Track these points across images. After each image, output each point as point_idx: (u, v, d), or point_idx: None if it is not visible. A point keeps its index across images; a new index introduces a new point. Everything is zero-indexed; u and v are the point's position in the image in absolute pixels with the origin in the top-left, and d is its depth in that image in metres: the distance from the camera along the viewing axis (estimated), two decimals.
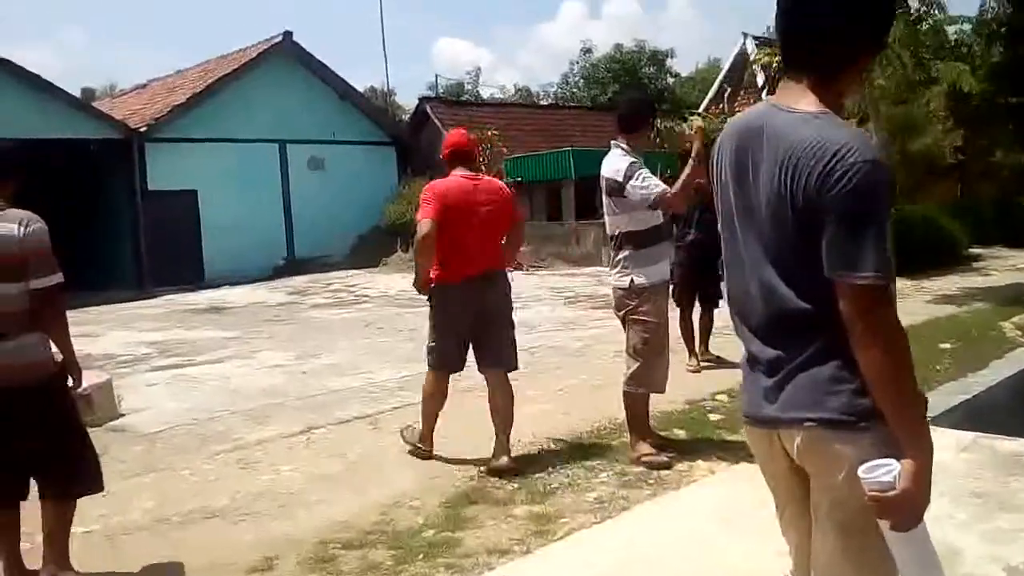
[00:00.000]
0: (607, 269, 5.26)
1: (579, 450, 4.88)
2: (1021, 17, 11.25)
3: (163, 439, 5.84)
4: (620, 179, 4.48)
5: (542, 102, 38.50)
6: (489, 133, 18.91)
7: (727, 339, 7.78)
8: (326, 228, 21.13)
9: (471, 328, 4.66)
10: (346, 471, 4.91)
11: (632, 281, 4.53)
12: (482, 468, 4.59)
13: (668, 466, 4.43)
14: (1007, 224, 19.84)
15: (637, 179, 4.42)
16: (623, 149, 4.60)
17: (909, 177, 17.95)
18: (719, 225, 1.89)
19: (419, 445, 4.88)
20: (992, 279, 13.27)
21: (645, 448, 4.52)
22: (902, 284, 13.07)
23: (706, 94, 32.44)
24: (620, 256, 4.59)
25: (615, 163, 4.56)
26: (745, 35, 29.32)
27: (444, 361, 4.72)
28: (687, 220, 7.04)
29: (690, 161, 4.44)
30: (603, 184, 4.62)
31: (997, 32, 19.80)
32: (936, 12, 18.84)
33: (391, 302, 14.28)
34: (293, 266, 20.75)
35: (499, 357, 4.70)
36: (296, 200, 21.64)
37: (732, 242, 1.84)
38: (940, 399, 5.48)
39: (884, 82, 15.04)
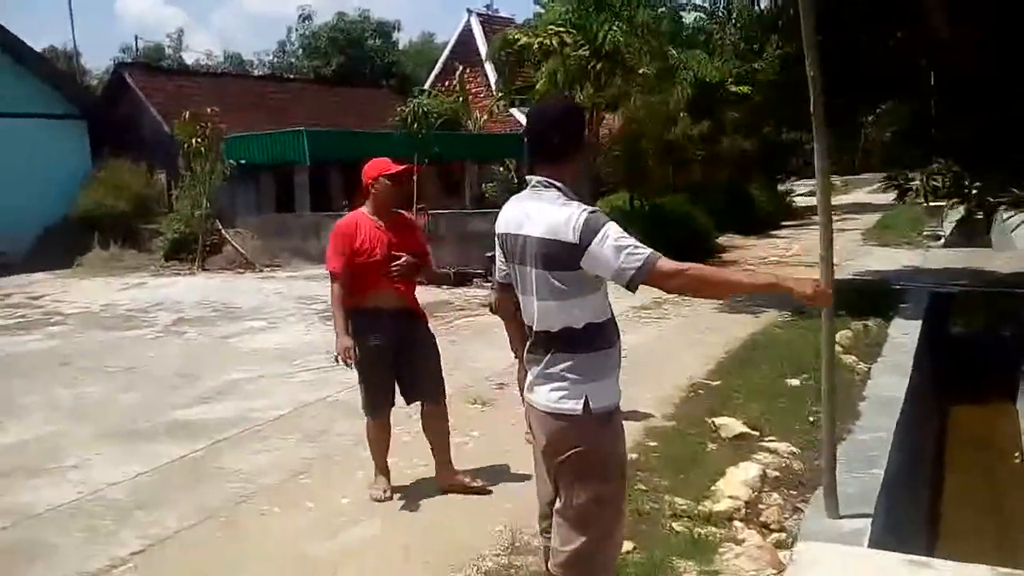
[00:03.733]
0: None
1: None
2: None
3: None
4: (573, 239, 2.60)
5: (256, 72, 35.29)
6: (209, 110, 16.23)
7: None
8: None
9: None
10: None
11: (588, 402, 2.71)
12: None
13: None
14: (736, 211, 20.54)
15: (610, 239, 2.58)
16: (558, 189, 2.73)
17: (661, 167, 17.86)
18: None
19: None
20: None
21: None
22: None
23: (424, 69, 31.29)
24: (561, 365, 2.74)
25: (556, 214, 2.67)
26: (470, 12, 28.68)
27: None
28: None
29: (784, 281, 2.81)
30: (534, 250, 2.71)
31: (728, 20, 20.30)
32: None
33: (95, 322, 11.44)
34: None
35: None
36: None
37: None
38: (852, 482, 4.45)
39: (646, 70, 14.58)
